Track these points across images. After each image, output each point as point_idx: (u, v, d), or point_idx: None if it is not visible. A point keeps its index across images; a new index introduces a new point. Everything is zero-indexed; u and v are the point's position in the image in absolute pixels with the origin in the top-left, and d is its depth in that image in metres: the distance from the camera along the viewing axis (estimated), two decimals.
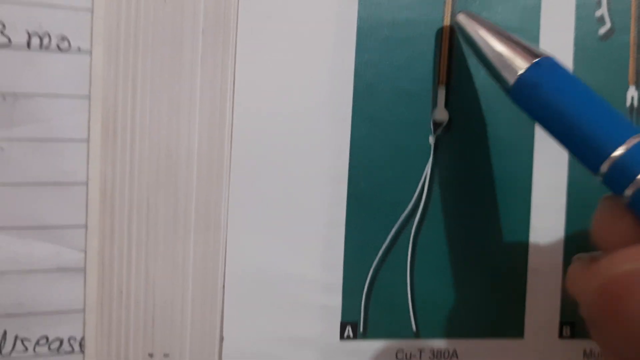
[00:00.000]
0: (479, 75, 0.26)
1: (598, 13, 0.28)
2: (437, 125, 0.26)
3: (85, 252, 0.24)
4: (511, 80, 0.22)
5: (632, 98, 0.28)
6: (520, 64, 0.22)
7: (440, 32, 0.26)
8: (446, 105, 0.26)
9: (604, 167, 0.20)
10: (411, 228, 0.26)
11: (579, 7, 0.27)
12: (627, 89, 0.28)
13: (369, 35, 0.25)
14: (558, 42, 0.27)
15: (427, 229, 0.26)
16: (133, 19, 0.24)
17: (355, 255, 0.26)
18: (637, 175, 0.20)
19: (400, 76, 0.26)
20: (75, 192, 0.24)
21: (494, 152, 0.27)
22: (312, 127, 0.25)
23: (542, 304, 0.27)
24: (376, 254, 0.26)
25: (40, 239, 0.24)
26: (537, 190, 0.27)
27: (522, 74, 0.22)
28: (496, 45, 0.23)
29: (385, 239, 0.26)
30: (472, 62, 0.26)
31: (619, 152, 0.20)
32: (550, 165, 0.27)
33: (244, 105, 0.25)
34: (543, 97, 0.22)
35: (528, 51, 0.23)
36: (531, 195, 0.27)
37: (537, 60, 0.22)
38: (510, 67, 0.23)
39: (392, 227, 0.26)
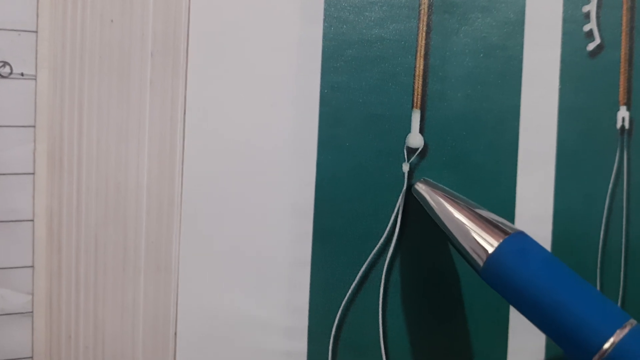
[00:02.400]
0: (456, 98, 0.25)
1: (586, 27, 0.26)
2: (411, 151, 0.25)
3: (33, 295, 0.23)
4: (480, 261, 0.22)
5: (623, 119, 0.27)
6: (490, 242, 0.22)
7: (414, 50, 0.24)
8: (421, 130, 0.25)
9: None
10: (383, 264, 0.26)
11: (565, 21, 0.26)
12: (617, 109, 0.26)
13: (335, 55, 0.24)
14: (543, 59, 0.26)
15: (401, 265, 0.25)
16: (79, 40, 0.23)
17: (322, 295, 0.25)
18: None
19: (371, 100, 0.24)
20: (22, 230, 0.23)
21: (472, 179, 0.25)
22: (273, 158, 0.24)
23: (525, 343, 0.26)
24: (345, 294, 0.25)
25: None
26: (521, 221, 0.25)
27: (491, 254, 0.21)
28: (462, 221, 0.23)
29: (354, 276, 0.25)
30: (449, 83, 0.25)
31: (608, 344, 0.19)
32: (534, 192, 0.26)
33: (196, 134, 0.23)
34: (517, 279, 0.21)
35: (497, 227, 0.22)
36: (514, 224, 0.25)
37: (507, 237, 0.22)
38: (479, 247, 0.22)
39: (363, 263, 0.25)
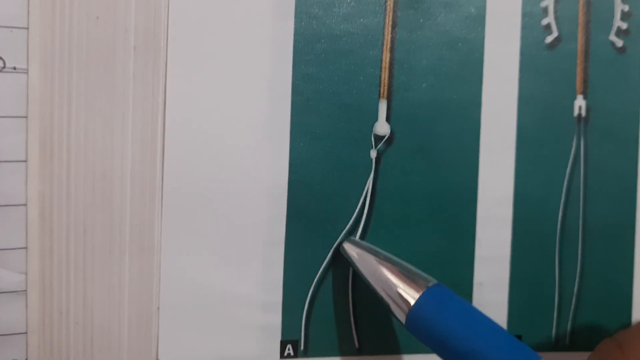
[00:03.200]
0: (421, 88, 0.26)
1: (544, 21, 0.28)
2: (378, 139, 0.26)
3: (27, 274, 0.25)
4: (403, 315, 0.24)
5: (580, 108, 0.28)
6: (411, 295, 0.24)
7: (381, 44, 0.26)
8: (387, 118, 0.26)
9: None
10: None
11: (524, 16, 0.28)
12: (574, 98, 0.28)
13: (306, 49, 0.26)
14: (504, 51, 0.28)
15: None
16: (67, 36, 0.25)
17: (295, 272, 0.26)
18: None
19: (340, 90, 0.26)
20: (15, 214, 0.25)
21: (437, 165, 0.27)
22: (248, 144, 0.26)
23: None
24: (317, 271, 0.26)
25: None
26: (483, 204, 0.27)
27: (412, 308, 0.23)
28: (386, 277, 0.24)
29: (326, 255, 0.26)
30: (414, 74, 0.26)
31: None
32: (495, 176, 0.27)
33: (176, 122, 0.25)
34: (437, 329, 0.23)
35: (416, 282, 0.24)
36: (476, 208, 0.27)
37: (425, 290, 0.23)
38: (401, 300, 0.24)
39: (333, 243, 0.27)
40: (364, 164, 0.27)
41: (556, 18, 0.28)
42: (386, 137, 0.27)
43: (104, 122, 0.25)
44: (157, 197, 0.26)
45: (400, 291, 0.24)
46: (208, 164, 0.26)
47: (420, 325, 0.23)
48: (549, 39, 0.28)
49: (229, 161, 0.26)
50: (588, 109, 0.29)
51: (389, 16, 0.27)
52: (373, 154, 0.27)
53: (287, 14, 0.26)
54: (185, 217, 0.26)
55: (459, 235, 0.28)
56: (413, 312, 0.23)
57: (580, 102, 0.29)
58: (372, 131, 0.27)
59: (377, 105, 0.27)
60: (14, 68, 0.25)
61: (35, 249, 0.25)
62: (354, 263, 0.26)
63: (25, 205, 0.25)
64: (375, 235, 0.27)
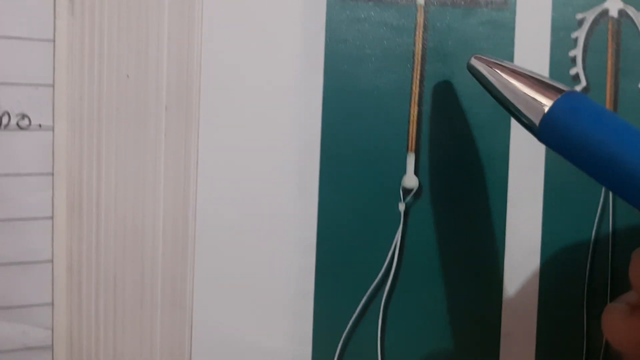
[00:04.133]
0: (449, 141, 0.27)
1: (573, 71, 0.28)
2: (406, 192, 0.27)
3: (52, 330, 0.26)
4: (536, 120, 0.22)
5: None
6: (544, 102, 0.22)
7: (409, 98, 0.26)
8: (415, 171, 0.27)
9: None
10: (382, 297, 0.28)
11: (552, 65, 0.28)
12: None
13: (335, 104, 0.26)
14: None
15: (398, 298, 0.27)
16: (96, 93, 0.25)
17: (325, 326, 0.27)
18: None
19: (369, 143, 0.27)
20: (41, 270, 0.26)
21: (465, 218, 0.27)
22: (278, 198, 0.26)
23: None
24: (346, 325, 0.27)
25: (5, 319, 0.25)
26: (510, 255, 0.27)
27: (546, 114, 0.22)
28: (515, 85, 0.23)
29: (355, 309, 0.27)
30: (442, 127, 0.27)
31: None
32: (523, 227, 0.28)
33: (208, 178, 0.26)
34: (572, 135, 0.22)
35: (550, 87, 0.23)
36: (504, 259, 0.27)
37: (561, 96, 0.22)
38: (533, 107, 0.22)
39: (362, 296, 0.27)
40: (393, 217, 0.27)
41: (584, 67, 0.28)
42: (414, 190, 0.27)
43: (135, 179, 0.25)
44: (189, 253, 0.26)
45: (534, 97, 0.22)
46: (239, 218, 0.26)
47: (555, 131, 0.22)
48: (578, 89, 0.28)
49: (260, 216, 0.26)
50: None
51: (417, 70, 0.27)
52: (401, 207, 0.27)
53: (317, 69, 0.26)
54: (216, 271, 0.26)
55: (486, 286, 0.28)
56: (548, 116, 0.22)
57: None
58: (400, 184, 0.27)
59: (405, 159, 0.27)
60: (40, 125, 0.25)
61: (62, 305, 0.26)
62: (483, 77, 0.24)
63: (52, 261, 0.25)
64: (404, 287, 0.27)
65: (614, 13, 0.29)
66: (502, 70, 0.24)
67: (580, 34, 0.28)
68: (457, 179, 0.28)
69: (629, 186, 0.21)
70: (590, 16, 0.28)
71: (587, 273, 0.29)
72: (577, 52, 0.28)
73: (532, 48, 0.28)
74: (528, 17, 0.28)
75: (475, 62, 0.25)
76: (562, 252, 0.28)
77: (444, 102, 0.27)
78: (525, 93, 0.23)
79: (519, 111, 0.23)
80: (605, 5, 0.29)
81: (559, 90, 0.22)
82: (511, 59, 0.28)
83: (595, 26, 0.28)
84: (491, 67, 0.24)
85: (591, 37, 0.28)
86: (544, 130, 0.22)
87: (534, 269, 0.28)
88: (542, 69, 0.28)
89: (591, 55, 0.28)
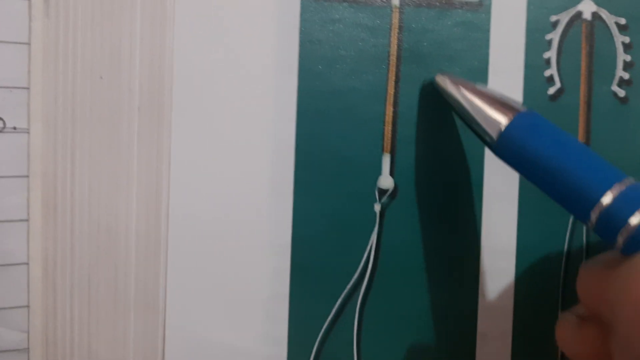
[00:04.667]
0: (425, 142, 0.27)
1: (547, 73, 0.28)
2: (382, 192, 0.27)
3: (29, 333, 0.26)
4: (494, 135, 0.24)
5: None
6: (502, 119, 0.24)
7: (384, 99, 0.26)
8: (391, 172, 0.27)
9: (594, 216, 0.21)
10: (357, 299, 0.28)
11: (527, 67, 0.28)
12: None
13: (309, 105, 0.26)
14: None
15: (374, 300, 0.27)
16: (70, 94, 0.25)
17: (300, 328, 0.27)
18: (627, 220, 0.21)
19: (344, 145, 0.27)
20: (17, 273, 0.26)
21: (441, 219, 0.27)
22: (252, 199, 0.26)
23: None
24: (321, 327, 0.27)
25: None
26: (486, 256, 0.27)
27: (504, 129, 0.24)
28: (477, 102, 0.25)
29: (330, 310, 0.27)
30: (417, 128, 0.27)
31: (607, 199, 0.21)
32: (499, 229, 0.28)
33: (181, 180, 0.26)
34: (526, 150, 0.23)
35: (508, 106, 0.24)
36: (480, 260, 0.27)
37: (517, 113, 0.24)
38: (492, 123, 0.24)
39: (338, 298, 0.27)
40: (368, 218, 0.27)
41: (559, 69, 0.28)
42: (390, 191, 0.27)
43: (109, 180, 0.25)
44: (161, 253, 0.26)
45: (493, 113, 0.24)
46: (212, 220, 0.26)
47: (511, 146, 0.23)
48: (552, 91, 0.29)
49: (233, 217, 0.26)
50: None
51: (392, 71, 0.27)
52: (377, 207, 0.27)
53: (291, 70, 0.26)
54: (189, 273, 0.26)
55: (462, 287, 0.28)
56: (505, 133, 0.23)
57: None
58: (376, 185, 0.27)
59: (381, 160, 0.27)
60: (14, 128, 0.25)
61: (37, 307, 0.25)
62: (447, 93, 0.26)
63: (27, 264, 0.25)
64: (379, 288, 0.27)
65: (587, 15, 0.29)
66: (465, 88, 0.25)
67: (555, 36, 0.28)
68: (433, 180, 0.28)
69: (574, 199, 0.22)
70: (564, 18, 0.29)
71: (562, 274, 0.29)
72: (552, 54, 0.29)
73: (507, 50, 0.28)
74: (503, 18, 0.28)
75: (440, 79, 0.26)
76: (537, 253, 0.28)
77: (420, 103, 0.27)
78: (484, 111, 0.24)
79: (479, 127, 0.24)
80: (579, 7, 0.29)
81: (516, 110, 0.24)
82: (486, 60, 0.28)
83: (569, 28, 0.29)
84: (455, 85, 0.25)
85: (565, 39, 0.29)
86: (500, 145, 0.24)
87: (509, 269, 0.28)
88: (516, 70, 0.28)
89: (565, 57, 0.29)
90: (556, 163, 0.22)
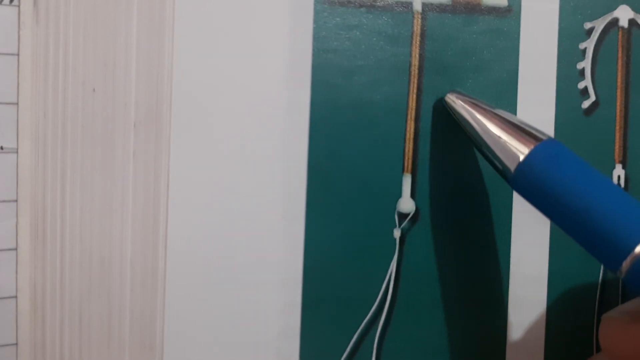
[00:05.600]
0: (448, 162, 0.25)
1: (581, 85, 0.26)
2: (402, 216, 0.24)
3: None
4: (512, 167, 0.22)
5: (619, 177, 0.26)
6: (521, 149, 0.22)
7: (405, 114, 0.24)
8: (412, 194, 0.24)
9: (625, 265, 0.19)
10: (375, 334, 0.25)
11: (560, 79, 0.26)
12: (613, 167, 0.26)
13: (323, 120, 0.24)
14: (538, 117, 0.27)
15: (393, 335, 0.26)
16: (60, 109, 0.23)
17: None
18: None
19: (360, 164, 0.24)
20: (4, 307, 0.24)
21: (466, 245, 0.25)
22: (260, 225, 0.25)
23: None
24: None
25: None
26: (515, 285, 0.25)
27: (523, 160, 0.22)
28: (492, 128, 0.23)
29: (345, 347, 0.25)
30: (440, 147, 0.24)
31: None
32: (529, 256, 0.26)
33: (181, 204, 0.24)
34: (547, 185, 0.21)
35: (528, 134, 0.22)
36: (509, 290, 0.25)
37: (538, 143, 0.22)
38: (510, 153, 0.22)
39: (353, 334, 0.25)
40: (387, 245, 0.25)
41: (594, 81, 0.26)
42: (411, 215, 0.25)
43: (102, 204, 0.23)
44: (159, 286, 0.24)
45: (510, 144, 0.22)
46: (215, 248, 0.24)
47: (529, 180, 0.21)
48: (586, 104, 0.26)
49: (239, 245, 0.24)
50: (627, 179, 0.27)
51: (413, 83, 0.25)
52: (397, 233, 0.25)
53: (303, 82, 0.24)
54: (190, 308, 0.24)
55: (490, 320, 0.26)
56: (523, 165, 0.21)
57: (619, 172, 0.27)
58: (395, 209, 0.25)
59: (401, 180, 0.25)
60: (1, 148, 0.23)
61: (26, 345, 0.23)
62: (460, 116, 0.24)
63: (16, 297, 0.23)
64: (399, 322, 0.25)
65: (624, 22, 0.27)
66: (479, 112, 0.23)
67: (589, 45, 0.26)
68: (458, 203, 0.25)
69: (602, 245, 0.20)
70: (599, 25, 0.26)
71: (597, 304, 0.27)
72: (586, 64, 0.26)
73: (538, 59, 0.26)
74: (534, 25, 0.26)
75: (451, 99, 0.24)
76: (570, 281, 0.26)
77: (443, 118, 0.25)
78: (501, 138, 0.22)
79: (495, 155, 0.22)
80: (615, 13, 0.27)
81: (537, 138, 0.22)
82: (515, 71, 0.26)
83: (604, 36, 0.26)
84: (469, 107, 0.23)
85: (600, 48, 0.26)
86: (519, 179, 0.22)
87: (540, 300, 0.26)
88: (548, 82, 0.26)
89: (600, 67, 0.26)
90: (582, 202, 0.20)
